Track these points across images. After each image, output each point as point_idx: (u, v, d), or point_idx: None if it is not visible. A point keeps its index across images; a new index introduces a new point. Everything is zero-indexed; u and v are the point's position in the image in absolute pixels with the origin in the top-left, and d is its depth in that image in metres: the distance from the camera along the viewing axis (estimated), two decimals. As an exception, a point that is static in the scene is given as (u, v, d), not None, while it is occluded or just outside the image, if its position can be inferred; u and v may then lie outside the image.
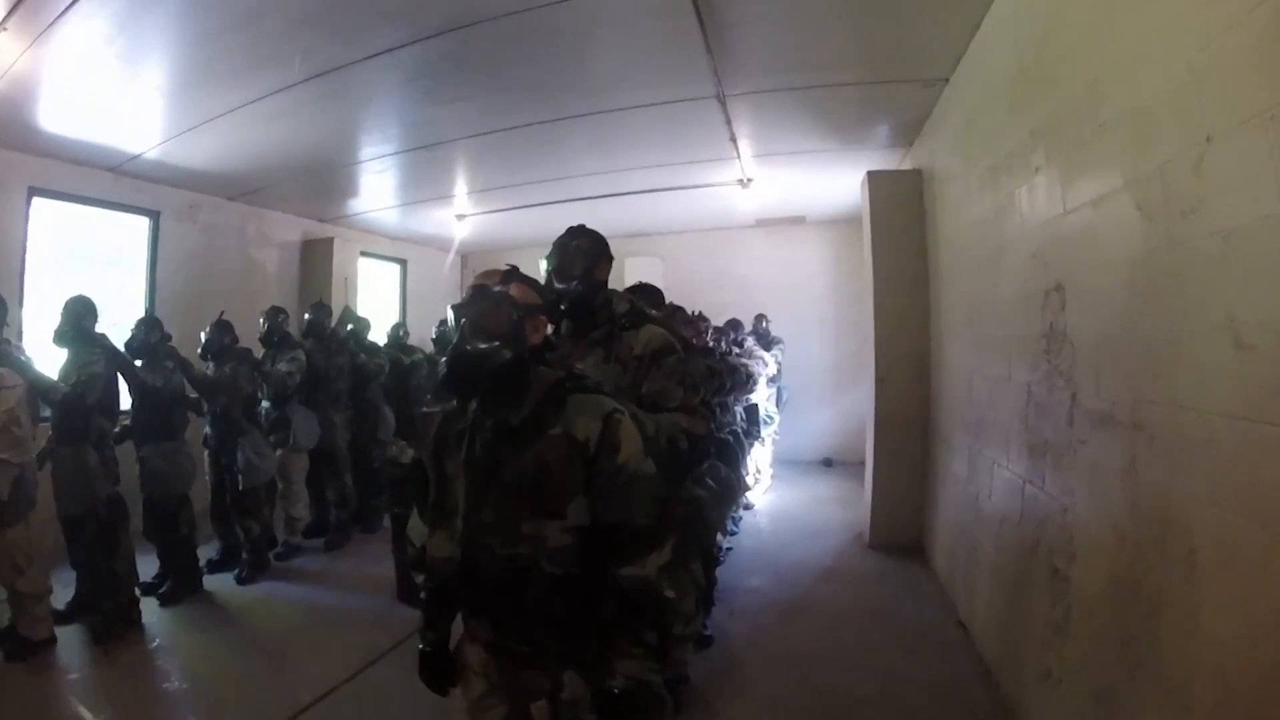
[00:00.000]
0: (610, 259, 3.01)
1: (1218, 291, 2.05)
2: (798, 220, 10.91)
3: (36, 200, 6.52)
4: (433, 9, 4.19)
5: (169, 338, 5.54)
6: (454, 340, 1.96)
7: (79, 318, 4.84)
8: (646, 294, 3.98)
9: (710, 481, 3.83)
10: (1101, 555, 2.79)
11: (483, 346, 1.90)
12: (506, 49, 4.71)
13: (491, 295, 1.98)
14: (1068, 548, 3.12)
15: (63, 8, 3.93)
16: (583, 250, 2.93)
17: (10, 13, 3.95)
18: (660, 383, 2.84)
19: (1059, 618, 3.15)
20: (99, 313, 4.98)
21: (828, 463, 10.64)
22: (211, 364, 5.84)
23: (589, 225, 3.07)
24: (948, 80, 5.25)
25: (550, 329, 2.22)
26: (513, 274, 2.09)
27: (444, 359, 1.97)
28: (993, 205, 4.26)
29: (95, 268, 7.37)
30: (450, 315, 2.00)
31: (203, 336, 5.96)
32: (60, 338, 4.80)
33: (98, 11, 4.01)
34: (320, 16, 4.24)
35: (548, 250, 2.91)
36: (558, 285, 2.86)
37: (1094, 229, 2.89)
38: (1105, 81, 2.79)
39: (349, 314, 7.79)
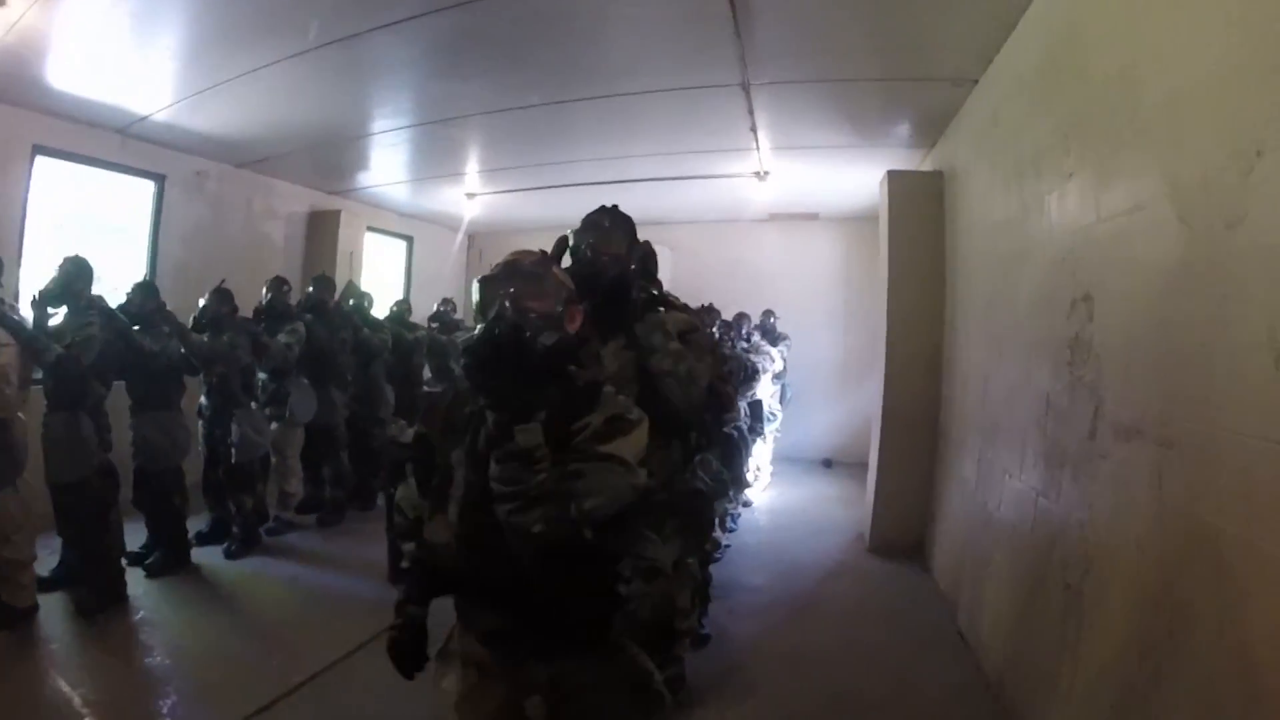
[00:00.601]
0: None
1: (1260, 307, 1.96)
2: (811, 216, 10.80)
3: (40, 159, 6.38)
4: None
5: (164, 305, 5.45)
6: (483, 319, 1.71)
7: (70, 279, 4.70)
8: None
9: (701, 474, 3.75)
10: (1120, 569, 2.71)
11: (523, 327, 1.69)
12: (525, 26, 4.60)
13: (537, 272, 1.82)
14: (1082, 562, 3.03)
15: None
16: (622, 229, 2.87)
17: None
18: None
19: (1070, 631, 3.07)
20: (93, 277, 4.86)
21: (828, 463, 10.56)
22: (208, 333, 5.72)
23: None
24: (976, 82, 5.13)
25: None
26: (550, 257, 1.98)
27: (464, 340, 1.74)
28: (1018, 207, 4.16)
29: (98, 232, 7.27)
30: (476, 291, 1.79)
31: (201, 304, 5.84)
32: (47, 298, 4.61)
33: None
34: None
35: (558, 233, 2.77)
36: (577, 267, 2.75)
37: (1128, 237, 2.79)
38: (1144, 82, 2.69)
39: (352, 288, 7.71)
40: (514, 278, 1.78)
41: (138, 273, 7.15)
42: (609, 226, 2.83)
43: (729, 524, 6.48)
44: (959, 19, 4.35)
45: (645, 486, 1.76)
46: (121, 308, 5.11)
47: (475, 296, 1.80)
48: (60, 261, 4.77)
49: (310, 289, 7.06)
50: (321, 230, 9.52)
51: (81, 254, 4.86)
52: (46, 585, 4.69)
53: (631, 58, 5.17)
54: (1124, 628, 2.65)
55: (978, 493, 4.69)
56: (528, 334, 1.67)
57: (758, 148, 7.03)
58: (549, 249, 2.70)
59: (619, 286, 2.79)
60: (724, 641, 4.50)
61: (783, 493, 8.68)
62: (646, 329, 2.83)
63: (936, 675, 4.15)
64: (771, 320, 9.45)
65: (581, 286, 2.62)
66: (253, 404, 6.08)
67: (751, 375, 6.60)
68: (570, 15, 4.48)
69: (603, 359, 2.47)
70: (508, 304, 1.69)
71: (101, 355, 4.69)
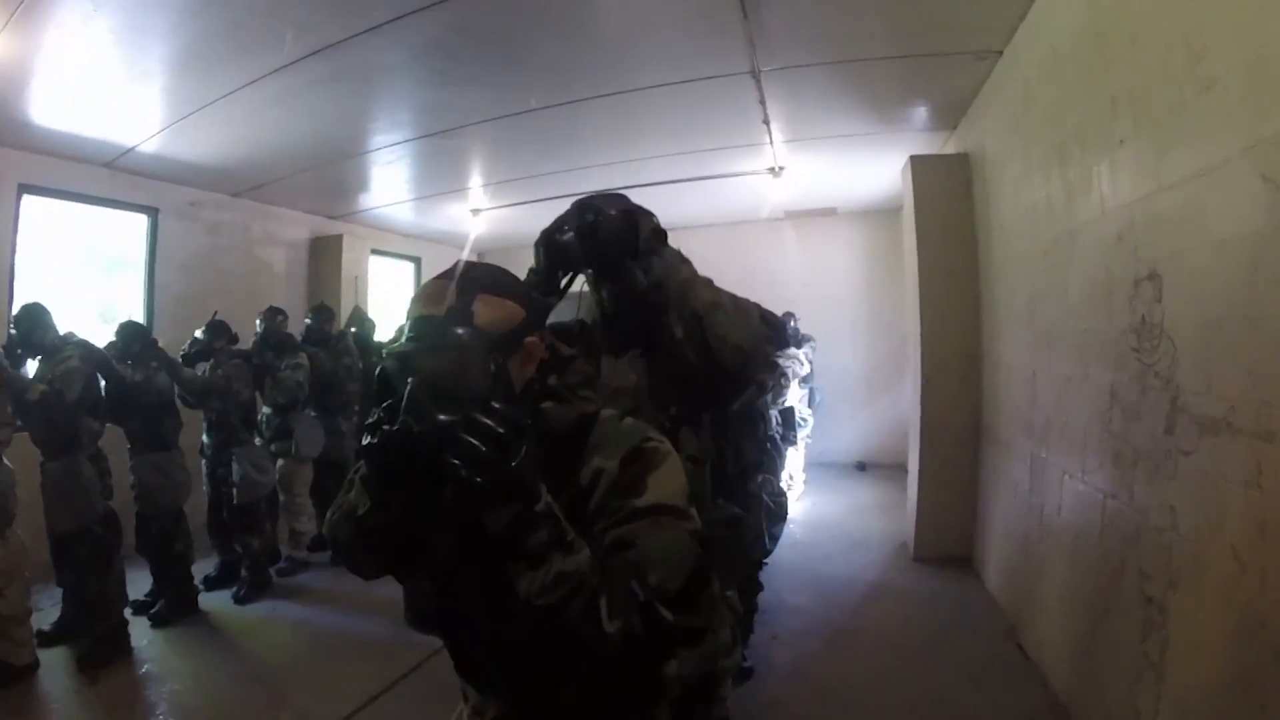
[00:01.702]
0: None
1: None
2: (829, 212, 10.49)
3: (27, 198, 6.27)
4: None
5: (154, 342, 5.27)
6: (399, 395, 1.19)
7: (27, 330, 4.50)
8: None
9: (765, 499, 3.42)
10: (1213, 582, 2.40)
11: (445, 419, 1.12)
12: (518, 19, 4.34)
13: (450, 341, 1.25)
14: (1165, 572, 2.70)
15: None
16: (617, 228, 2.20)
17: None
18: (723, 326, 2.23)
19: (1153, 651, 2.75)
20: (49, 319, 4.61)
21: (861, 466, 10.27)
22: (205, 366, 5.55)
23: None
24: (1001, 53, 4.81)
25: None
26: (468, 281, 1.35)
27: (368, 435, 1.20)
28: (1060, 186, 3.83)
29: (98, 265, 7.22)
30: (390, 364, 1.27)
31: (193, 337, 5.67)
32: (11, 352, 4.44)
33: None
34: None
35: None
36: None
37: (1200, 205, 2.47)
38: (1206, 31, 2.39)
39: (358, 314, 7.55)
40: (428, 352, 1.24)
41: (138, 306, 7.16)
42: (598, 229, 2.19)
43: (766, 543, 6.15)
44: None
45: (702, 532, 1.37)
46: (105, 349, 4.92)
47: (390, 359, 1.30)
48: (15, 314, 4.61)
49: (309, 320, 6.84)
50: (324, 256, 9.42)
51: (37, 301, 4.66)
52: (48, 639, 4.53)
53: (634, 48, 4.87)
54: (1220, 652, 2.36)
55: (1032, 496, 4.35)
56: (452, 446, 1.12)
57: (771, 141, 6.74)
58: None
59: (630, 307, 2.25)
60: (766, 673, 4.17)
61: (818, 501, 8.33)
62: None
63: (998, 700, 3.83)
64: (793, 322, 9.14)
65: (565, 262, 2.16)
66: (256, 439, 5.88)
67: (785, 382, 6.27)
68: (565, 3, 4.21)
69: (606, 374, 2.16)
70: (420, 396, 1.16)
71: (86, 389, 4.50)
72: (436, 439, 1.12)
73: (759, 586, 4.44)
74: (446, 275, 1.37)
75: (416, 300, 1.35)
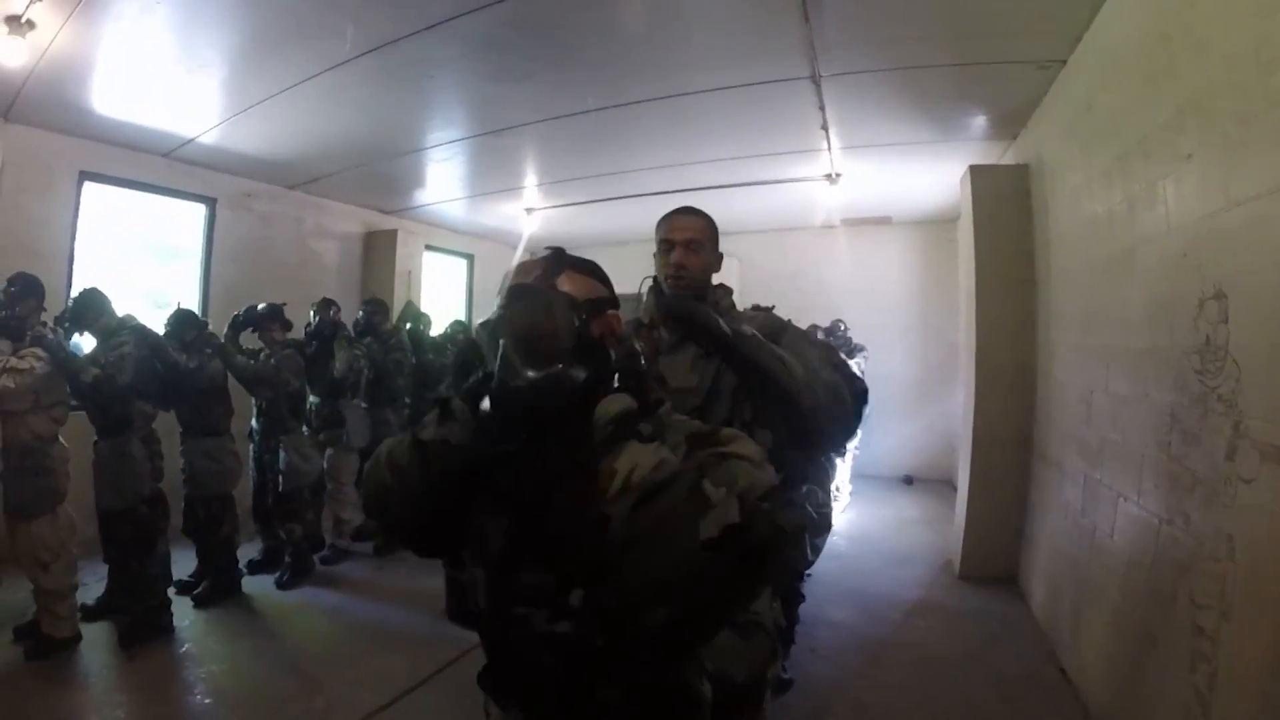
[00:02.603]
0: (721, 254, 2.41)
1: None
2: (883, 221, 10.35)
3: (88, 185, 6.41)
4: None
5: (207, 329, 5.41)
6: (494, 366, 1.34)
7: (81, 311, 4.58)
8: None
9: (809, 509, 3.34)
10: (1271, 618, 2.30)
11: (536, 375, 1.28)
12: (573, 17, 4.32)
13: (540, 298, 1.37)
14: (1219, 603, 2.59)
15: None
16: (707, 233, 2.32)
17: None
18: (786, 347, 2.17)
19: (1201, 684, 2.65)
20: (104, 303, 4.65)
21: (908, 480, 10.09)
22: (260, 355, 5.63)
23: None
24: (1064, 63, 4.69)
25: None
26: (558, 258, 1.50)
27: (476, 392, 1.37)
28: (1122, 199, 3.71)
29: (153, 255, 7.34)
30: (480, 333, 1.42)
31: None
32: (60, 324, 4.52)
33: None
34: None
35: (622, 247, 2.32)
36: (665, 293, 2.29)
37: (1269, 223, 2.36)
38: (1276, 41, 2.30)
39: (411, 309, 7.59)
40: (519, 312, 1.36)
41: (193, 294, 7.29)
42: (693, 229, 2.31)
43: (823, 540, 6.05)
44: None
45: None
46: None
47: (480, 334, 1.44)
48: (74, 296, 4.71)
49: (361, 313, 6.91)
50: (378, 250, 9.47)
51: (97, 286, 4.72)
52: (91, 613, 4.64)
53: (690, 49, 4.81)
54: (1273, 691, 2.25)
55: (1084, 517, 4.22)
56: (552, 381, 1.30)
57: (829, 148, 6.67)
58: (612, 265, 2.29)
59: (692, 313, 2.21)
60: (804, 686, 4.08)
61: (863, 513, 8.20)
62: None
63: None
64: (843, 329, 9.04)
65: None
66: (304, 429, 5.95)
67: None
68: (621, 4, 4.20)
69: (667, 373, 2.09)
70: (512, 354, 1.31)
71: (138, 373, 4.54)
72: (531, 393, 1.28)
73: (801, 597, 4.38)
74: (535, 260, 1.51)
75: (510, 275, 1.49)
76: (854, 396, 2.22)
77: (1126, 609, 3.48)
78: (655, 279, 2.35)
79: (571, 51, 4.78)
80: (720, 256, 2.38)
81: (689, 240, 2.27)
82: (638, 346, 1.61)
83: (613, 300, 1.51)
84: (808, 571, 4.98)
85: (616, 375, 1.40)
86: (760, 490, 1.17)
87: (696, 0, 4.19)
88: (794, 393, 2.01)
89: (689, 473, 1.18)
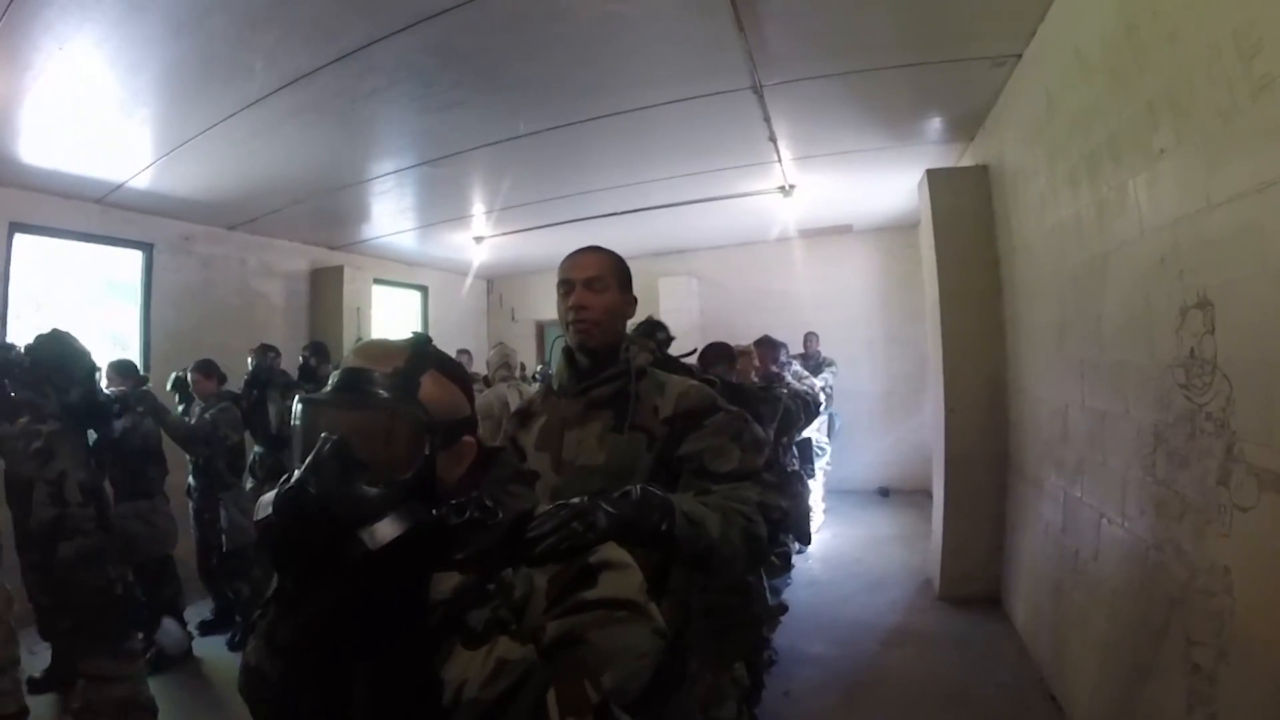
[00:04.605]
0: (634, 297, 2.16)
1: None
2: (844, 230, 10.21)
3: (19, 236, 6.20)
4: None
5: (144, 381, 5.16)
6: (302, 460, 1.01)
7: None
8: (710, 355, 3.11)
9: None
10: (1275, 661, 2.09)
11: (347, 491, 0.97)
12: (494, 40, 4.11)
13: (382, 403, 1.07)
14: (1216, 641, 2.39)
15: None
16: (612, 271, 2.08)
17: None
18: (706, 440, 1.94)
19: (1199, 724, 2.43)
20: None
21: (884, 492, 9.90)
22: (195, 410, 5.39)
23: (616, 243, 2.33)
24: (1020, 57, 4.50)
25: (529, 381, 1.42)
26: (422, 353, 1.17)
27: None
28: (1091, 203, 3.50)
29: (102, 292, 7.23)
30: (298, 411, 1.10)
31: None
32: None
33: (41, 24, 3.61)
34: (269, 11, 3.68)
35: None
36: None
37: (1258, 224, 2.15)
38: (1260, 25, 2.09)
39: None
40: (349, 408, 1.07)
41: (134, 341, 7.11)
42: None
43: (786, 581, 5.79)
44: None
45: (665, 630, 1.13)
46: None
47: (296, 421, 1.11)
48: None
49: (300, 357, 6.65)
50: (325, 287, 9.27)
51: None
52: (38, 686, 4.43)
53: (624, 65, 4.59)
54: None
55: (1065, 538, 4.01)
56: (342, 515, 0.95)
57: (779, 160, 6.49)
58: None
59: (595, 348, 2.04)
60: (777, 735, 3.83)
61: (838, 533, 7.96)
62: (642, 409, 2.01)
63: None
64: (814, 344, 8.87)
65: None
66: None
67: (816, 408, 5.87)
68: (545, 20, 3.94)
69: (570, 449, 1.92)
70: (327, 454, 0.97)
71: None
72: (340, 508, 0.95)
73: (769, 661, 4.16)
74: (393, 346, 1.18)
75: (355, 353, 1.17)
76: (771, 521, 1.94)
77: (1115, 639, 3.27)
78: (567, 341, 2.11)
79: (498, 76, 4.59)
80: (633, 299, 2.12)
81: (590, 279, 2.01)
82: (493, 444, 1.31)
83: (471, 421, 1.22)
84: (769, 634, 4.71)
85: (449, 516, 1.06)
86: (627, 680, 1.04)
87: (628, 15, 3.95)
88: (712, 552, 1.74)
89: (535, 678, 0.97)
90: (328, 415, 1.07)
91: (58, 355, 3.84)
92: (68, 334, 3.98)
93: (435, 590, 1.00)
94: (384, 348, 1.16)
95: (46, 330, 4.15)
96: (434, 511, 1.02)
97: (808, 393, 5.61)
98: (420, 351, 1.16)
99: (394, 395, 1.07)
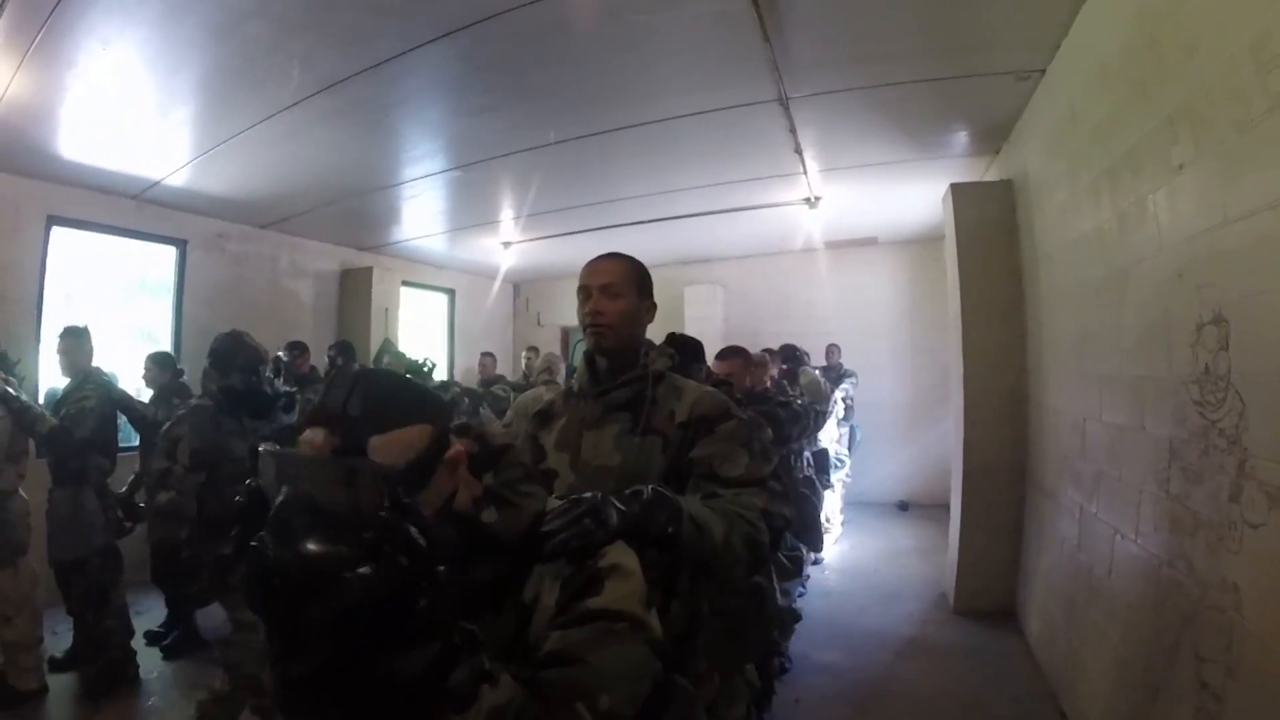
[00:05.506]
0: (653, 303, 2.18)
1: None
2: (869, 242, 10.17)
3: (56, 229, 6.33)
4: (429, 3, 3.69)
5: (180, 374, 5.44)
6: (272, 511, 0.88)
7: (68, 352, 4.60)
8: (686, 349, 3.16)
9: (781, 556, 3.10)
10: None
11: (314, 549, 0.82)
12: (524, 49, 4.19)
13: (333, 464, 0.94)
14: (1224, 658, 2.37)
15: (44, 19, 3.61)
16: (627, 277, 2.11)
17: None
18: (717, 445, 1.98)
19: (1209, 744, 2.40)
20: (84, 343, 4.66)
21: (903, 506, 9.83)
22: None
23: (642, 251, 2.39)
24: (1044, 72, 4.51)
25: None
26: (354, 419, 1.06)
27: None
28: (1112, 215, 3.49)
29: (141, 289, 7.41)
30: (266, 464, 0.97)
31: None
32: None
33: (86, 24, 3.73)
34: (305, 18, 3.78)
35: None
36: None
37: (1272, 240, 2.14)
38: (1276, 39, 2.09)
39: (387, 346, 7.42)
40: (304, 469, 0.93)
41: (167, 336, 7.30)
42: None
43: (799, 589, 5.76)
44: (1017, 1, 3.79)
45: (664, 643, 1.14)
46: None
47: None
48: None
49: (328, 357, 6.75)
50: (354, 288, 9.39)
51: (96, 323, 4.76)
52: (58, 666, 4.60)
53: (655, 77, 4.66)
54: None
55: (1080, 553, 3.98)
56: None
57: (805, 171, 6.50)
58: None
59: (613, 350, 2.08)
60: (787, 743, 3.83)
61: (855, 545, 7.94)
62: (658, 413, 2.06)
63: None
64: (836, 356, 8.87)
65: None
66: None
67: (816, 421, 5.86)
68: (572, 32, 4.03)
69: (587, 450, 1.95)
70: (290, 514, 0.85)
71: (99, 428, 4.49)
72: (302, 572, 0.82)
73: (781, 668, 4.15)
74: (320, 418, 1.07)
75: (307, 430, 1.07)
76: (774, 529, 1.97)
77: (1128, 657, 3.23)
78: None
79: (528, 84, 4.67)
80: (652, 305, 2.15)
81: (605, 285, 2.05)
82: (499, 442, 1.28)
83: (445, 429, 1.14)
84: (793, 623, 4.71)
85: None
86: (621, 703, 1.04)
87: (654, 25, 3.99)
88: (714, 557, 1.78)
89: (526, 714, 0.97)
90: (289, 468, 0.93)
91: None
92: (241, 332, 4.15)
93: (406, 669, 0.88)
94: (312, 438, 1.06)
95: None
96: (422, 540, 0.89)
97: (798, 403, 5.55)
98: (349, 427, 1.05)
99: (347, 473, 0.89)
